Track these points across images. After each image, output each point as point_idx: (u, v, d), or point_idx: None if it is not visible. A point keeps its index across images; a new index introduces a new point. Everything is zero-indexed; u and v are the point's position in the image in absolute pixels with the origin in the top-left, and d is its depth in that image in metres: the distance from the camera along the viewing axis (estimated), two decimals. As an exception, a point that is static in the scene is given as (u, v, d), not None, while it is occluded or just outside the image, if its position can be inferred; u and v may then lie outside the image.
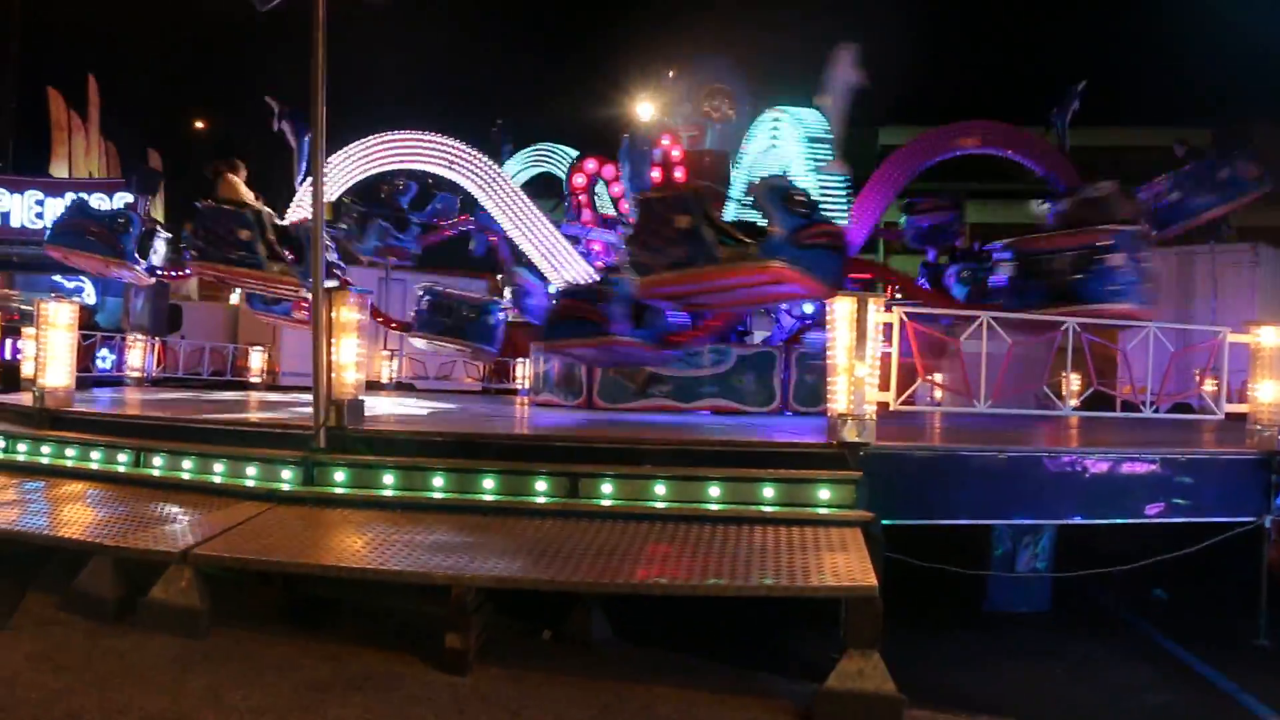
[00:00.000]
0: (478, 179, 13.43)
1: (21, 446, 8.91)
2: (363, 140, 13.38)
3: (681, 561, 5.93)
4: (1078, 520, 7.63)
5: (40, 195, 26.72)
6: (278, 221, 12.28)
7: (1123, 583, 8.31)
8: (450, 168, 13.37)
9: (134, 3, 37.63)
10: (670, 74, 15.66)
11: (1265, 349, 8.11)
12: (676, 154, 13.66)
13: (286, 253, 11.86)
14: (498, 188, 13.48)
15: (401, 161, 13.54)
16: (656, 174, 13.24)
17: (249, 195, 12.09)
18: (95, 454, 8.43)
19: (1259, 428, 8.07)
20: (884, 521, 6.78)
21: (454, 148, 13.35)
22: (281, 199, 13.30)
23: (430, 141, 13.38)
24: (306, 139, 12.08)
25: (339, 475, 7.42)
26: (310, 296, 8.04)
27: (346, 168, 13.38)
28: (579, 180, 14.46)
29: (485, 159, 13.55)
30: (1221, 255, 18.71)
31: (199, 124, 38.98)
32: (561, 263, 13.22)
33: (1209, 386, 9.24)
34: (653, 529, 6.54)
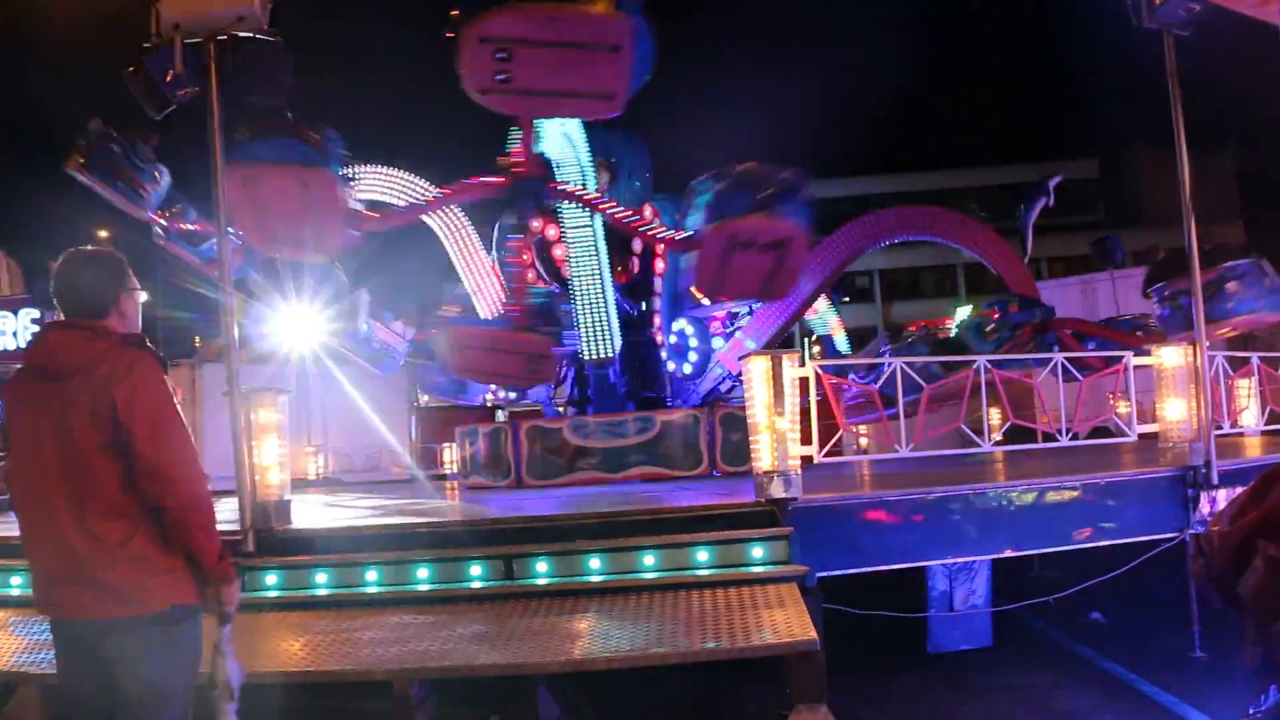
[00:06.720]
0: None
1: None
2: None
3: (624, 633, 5.91)
4: (1009, 553, 7.76)
5: (-52, 318, 25.97)
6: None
7: (1060, 610, 8.44)
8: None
9: (19, 114, 37.13)
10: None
11: (1167, 369, 8.36)
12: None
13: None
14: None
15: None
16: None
17: None
18: (15, 579, 8.12)
19: (1170, 445, 8.30)
20: (819, 574, 6.82)
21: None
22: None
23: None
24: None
25: (270, 579, 7.26)
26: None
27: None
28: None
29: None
30: (1121, 281, 19.29)
31: (102, 233, 38.37)
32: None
33: (1122, 409, 9.51)
34: (591, 602, 6.51)
